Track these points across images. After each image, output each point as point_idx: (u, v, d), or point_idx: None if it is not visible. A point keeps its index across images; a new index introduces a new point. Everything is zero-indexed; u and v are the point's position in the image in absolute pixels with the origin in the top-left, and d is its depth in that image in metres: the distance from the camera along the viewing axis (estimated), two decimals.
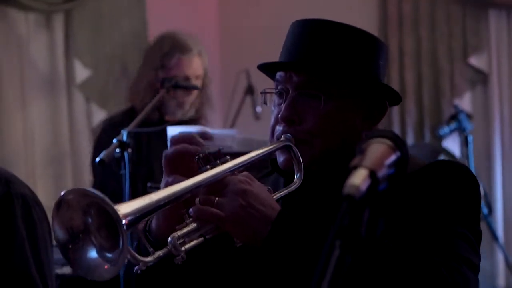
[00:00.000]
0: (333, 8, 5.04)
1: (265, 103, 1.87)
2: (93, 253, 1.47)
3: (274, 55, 1.90)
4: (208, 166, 1.61)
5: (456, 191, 1.69)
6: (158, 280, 1.74)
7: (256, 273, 1.73)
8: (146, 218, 1.51)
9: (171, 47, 3.91)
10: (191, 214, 1.57)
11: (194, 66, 3.93)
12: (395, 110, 5.39)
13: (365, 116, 1.81)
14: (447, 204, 1.66)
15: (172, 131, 3.15)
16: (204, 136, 3.08)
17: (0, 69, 4.48)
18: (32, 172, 4.59)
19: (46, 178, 4.63)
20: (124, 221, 1.39)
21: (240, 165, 1.66)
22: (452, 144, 5.33)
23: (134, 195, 2.33)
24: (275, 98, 1.83)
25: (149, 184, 3.36)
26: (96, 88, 4.86)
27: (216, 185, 1.60)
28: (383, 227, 1.63)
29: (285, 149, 1.77)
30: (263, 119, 4.43)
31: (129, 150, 3.14)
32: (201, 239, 1.58)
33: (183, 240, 1.55)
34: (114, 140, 3.14)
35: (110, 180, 3.60)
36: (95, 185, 3.87)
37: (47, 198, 4.39)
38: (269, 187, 1.69)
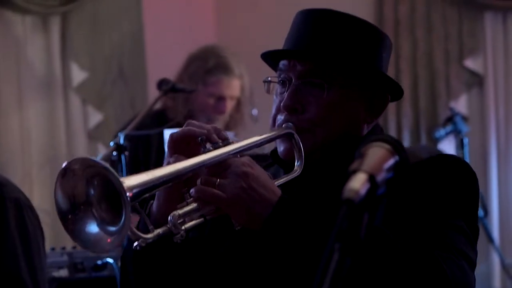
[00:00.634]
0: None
1: (267, 92, 1.86)
2: (93, 226, 1.49)
3: None
4: (211, 148, 1.61)
5: (455, 186, 1.69)
6: (155, 266, 1.72)
7: (254, 257, 1.72)
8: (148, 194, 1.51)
9: (215, 66, 3.94)
10: (192, 194, 1.57)
11: (233, 88, 3.97)
12: (391, 112, 5.39)
13: (367, 107, 1.82)
14: (447, 198, 1.67)
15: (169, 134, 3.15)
16: None
17: None
18: (29, 173, 4.58)
19: (42, 180, 4.62)
20: (128, 193, 1.41)
21: (243, 148, 1.67)
22: (448, 147, 5.33)
23: None
24: (278, 87, 1.83)
25: None
26: (93, 90, 4.86)
27: (218, 167, 1.60)
28: (383, 218, 1.63)
29: (286, 137, 1.77)
30: (260, 121, 4.43)
31: (126, 153, 3.15)
32: (201, 219, 1.58)
33: (183, 219, 1.55)
34: (111, 143, 3.14)
35: None
36: None
37: (43, 200, 4.40)
38: (270, 174, 1.68)
